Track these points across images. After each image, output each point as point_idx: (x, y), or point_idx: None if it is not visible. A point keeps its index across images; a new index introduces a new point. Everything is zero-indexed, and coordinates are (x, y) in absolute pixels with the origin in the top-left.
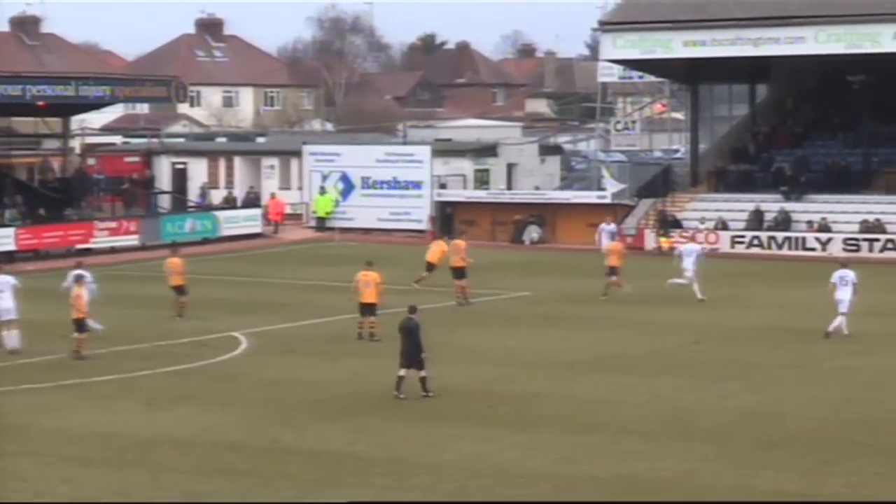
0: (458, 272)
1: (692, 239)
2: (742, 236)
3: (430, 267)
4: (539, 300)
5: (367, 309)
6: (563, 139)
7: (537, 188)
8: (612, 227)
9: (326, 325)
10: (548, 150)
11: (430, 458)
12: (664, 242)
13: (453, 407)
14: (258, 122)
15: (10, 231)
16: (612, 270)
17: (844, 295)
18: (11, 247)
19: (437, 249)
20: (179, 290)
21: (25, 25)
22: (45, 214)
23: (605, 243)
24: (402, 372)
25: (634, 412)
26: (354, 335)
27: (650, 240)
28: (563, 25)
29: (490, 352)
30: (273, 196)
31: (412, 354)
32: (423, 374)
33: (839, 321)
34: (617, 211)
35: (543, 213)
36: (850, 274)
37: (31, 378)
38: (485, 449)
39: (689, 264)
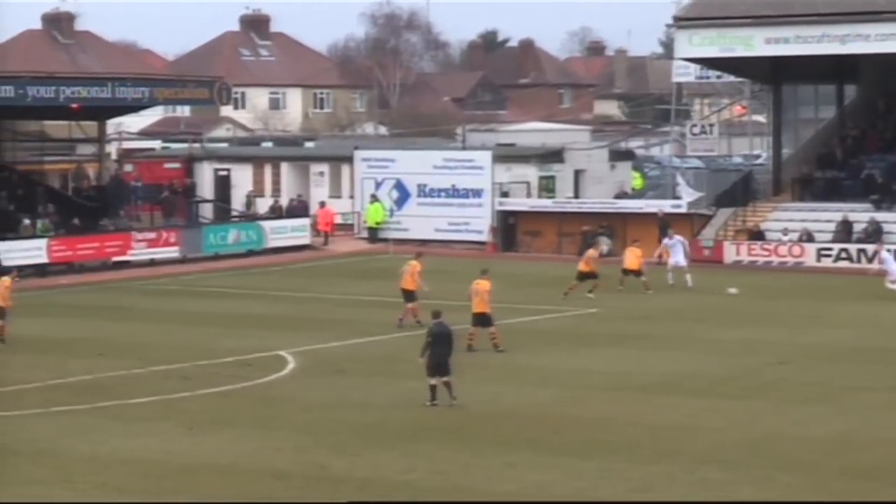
0: (409, 295)
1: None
2: (829, 249)
3: (584, 276)
4: (608, 318)
5: (483, 319)
6: (634, 144)
7: (626, 194)
8: (678, 239)
9: (379, 343)
10: (618, 156)
11: (489, 486)
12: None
13: (515, 432)
14: (307, 126)
15: (43, 242)
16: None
17: None
18: (44, 259)
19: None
20: None
21: (59, 23)
22: (79, 224)
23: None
24: (434, 381)
25: (711, 438)
26: (464, 346)
27: (730, 252)
28: (635, 21)
29: (555, 373)
30: (322, 205)
31: (444, 361)
32: (447, 379)
33: None
34: (693, 221)
35: (613, 224)
36: None
37: (65, 400)
38: (549, 477)
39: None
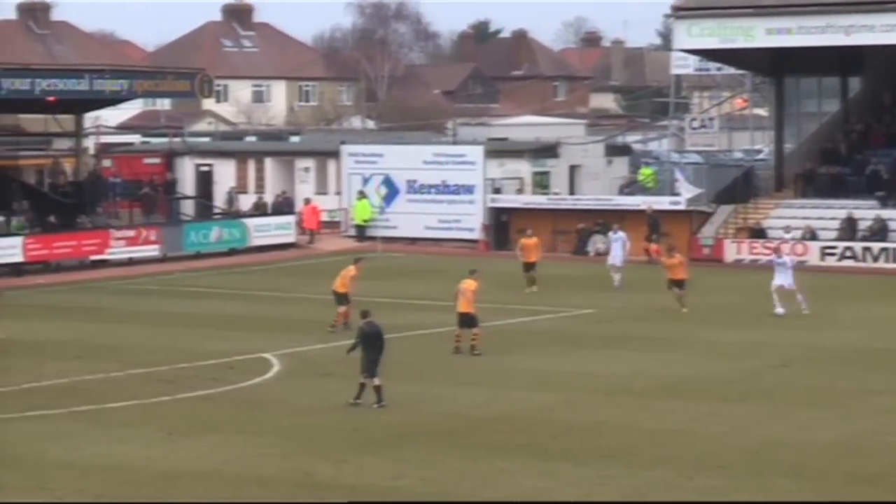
0: (342, 298)
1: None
2: (833, 247)
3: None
4: (605, 318)
5: (467, 320)
6: (631, 138)
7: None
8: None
9: None
10: (615, 151)
11: (482, 494)
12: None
13: (509, 437)
14: (291, 120)
15: (18, 241)
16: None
17: None
18: (19, 258)
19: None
20: None
21: (34, 13)
22: (55, 222)
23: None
24: (363, 379)
25: (711, 444)
26: (451, 349)
27: (731, 251)
28: (632, 12)
29: (550, 375)
30: (308, 202)
31: (374, 361)
32: (376, 382)
33: None
34: (692, 218)
35: (610, 221)
36: None
37: (40, 404)
38: (545, 484)
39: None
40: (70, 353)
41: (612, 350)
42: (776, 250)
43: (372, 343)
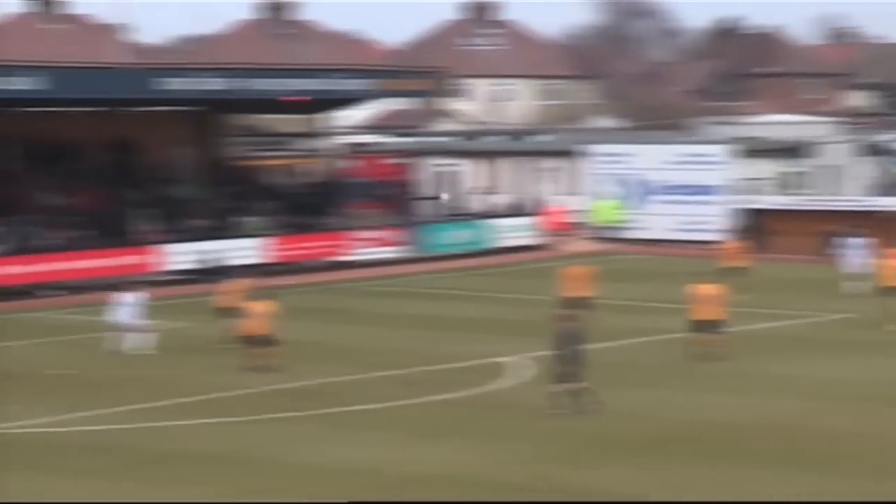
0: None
1: None
2: None
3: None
4: (862, 324)
5: (705, 325)
6: (887, 137)
7: None
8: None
9: (611, 350)
10: (869, 150)
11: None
12: None
13: (756, 445)
14: (535, 119)
15: (258, 242)
16: None
17: None
18: (259, 259)
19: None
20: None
21: (277, 12)
22: (295, 223)
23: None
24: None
25: None
26: (694, 354)
27: None
28: (887, 5)
29: (802, 381)
30: (551, 202)
31: (579, 365)
32: (578, 385)
33: None
34: None
35: (866, 224)
36: None
37: (285, 406)
38: (789, 493)
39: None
40: (313, 354)
41: (869, 356)
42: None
43: (568, 345)
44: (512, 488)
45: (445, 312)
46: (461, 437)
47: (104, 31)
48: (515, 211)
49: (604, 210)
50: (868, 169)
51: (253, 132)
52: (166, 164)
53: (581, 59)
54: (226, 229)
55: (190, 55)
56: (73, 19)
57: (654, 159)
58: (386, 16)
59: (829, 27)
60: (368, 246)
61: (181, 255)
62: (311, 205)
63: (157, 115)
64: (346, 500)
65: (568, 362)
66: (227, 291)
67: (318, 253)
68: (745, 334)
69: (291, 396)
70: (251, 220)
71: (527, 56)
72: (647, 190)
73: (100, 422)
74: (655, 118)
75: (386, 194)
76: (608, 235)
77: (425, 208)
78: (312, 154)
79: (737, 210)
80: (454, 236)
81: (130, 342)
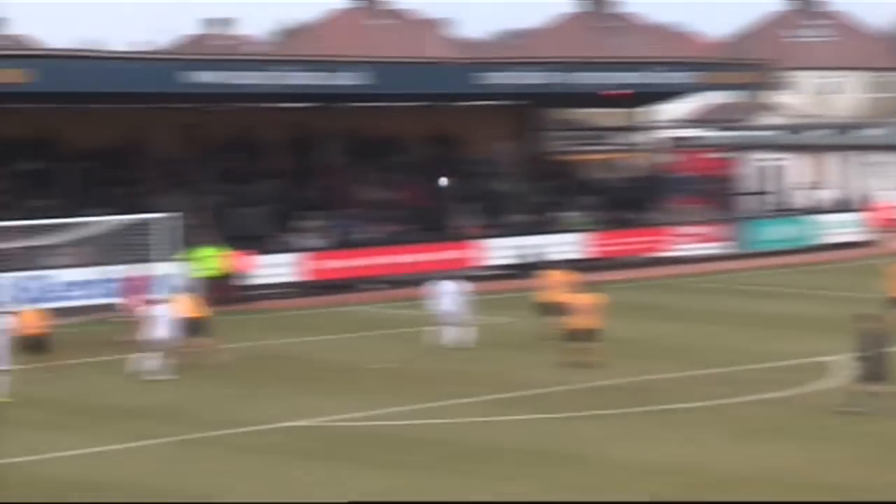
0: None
1: None
2: None
3: None
4: None
5: None
6: None
7: None
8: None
9: None
10: None
11: None
12: None
13: None
14: (863, 112)
15: (577, 237)
16: None
17: None
18: (578, 254)
19: None
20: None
21: (598, 5)
22: (616, 218)
23: None
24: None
25: None
26: None
27: None
28: None
29: None
30: (880, 198)
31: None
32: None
33: None
34: None
35: None
36: None
37: (609, 403)
38: None
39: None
40: (633, 351)
41: None
42: None
43: (880, 348)
44: (828, 490)
45: (767, 310)
46: (782, 438)
47: (427, 26)
48: (841, 207)
49: None
50: None
51: (573, 126)
52: (487, 158)
53: None
54: (545, 224)
55: (511, 49)
56: (396, 15)
57: None
58: (709, 7)
59: None
60: (690, 242)
61: (501, 250)
62: (631, 200)
63: (477, 109)
64: (664, 500)
65: (873, 363)
66: (550, 286)
67: (639, 249)
68: None
69: (611, 393)
70: (571, 215)
71: (855, 47)
72: None
73: (418, 416)
74: None
75: (708, 189)
76: None
77: (748, 204)
78: (633, 148)
79: None
80: (778, 232)
81: (451, 336)
